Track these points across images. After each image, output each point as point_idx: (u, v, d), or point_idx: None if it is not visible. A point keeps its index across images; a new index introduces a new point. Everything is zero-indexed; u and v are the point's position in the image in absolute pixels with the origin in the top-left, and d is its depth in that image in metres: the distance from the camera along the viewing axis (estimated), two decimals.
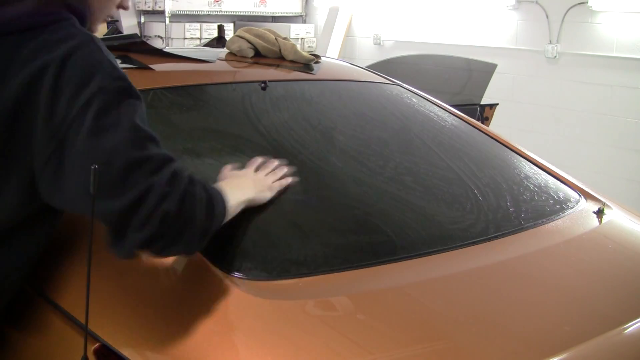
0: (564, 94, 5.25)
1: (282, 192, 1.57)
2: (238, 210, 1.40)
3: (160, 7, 6.35)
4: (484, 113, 4.03)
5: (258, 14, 6.92)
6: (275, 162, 1.60)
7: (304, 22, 7.18)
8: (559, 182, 2.00)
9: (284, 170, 1.60)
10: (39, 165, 1.20)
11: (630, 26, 4.84)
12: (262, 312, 1.21)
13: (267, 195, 1.52)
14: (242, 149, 1.76)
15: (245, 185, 1.48)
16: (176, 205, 1.17)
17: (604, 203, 1.87)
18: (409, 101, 2.25)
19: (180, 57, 2.16)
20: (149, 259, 1.29)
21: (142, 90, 1.86)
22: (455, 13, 5.82)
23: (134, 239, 1.16)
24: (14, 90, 1.19)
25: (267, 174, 1.56)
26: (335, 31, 6.63)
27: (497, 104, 4.20)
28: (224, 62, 2.23)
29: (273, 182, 1.56)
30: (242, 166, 1.56)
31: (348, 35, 6.72)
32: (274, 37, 2.23)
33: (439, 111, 2.24)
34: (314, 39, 6.98)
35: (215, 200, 1.27)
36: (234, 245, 1.41)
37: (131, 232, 1.15)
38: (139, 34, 6.13)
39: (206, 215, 1.23)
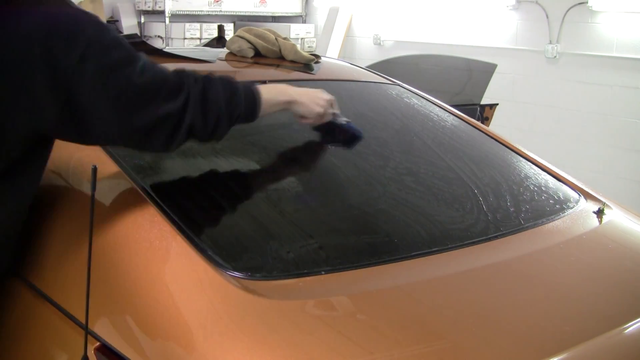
0: (564, 94, 5.25)
1: (282, 193, 1.56)
2: (276, 107, 1.59)
3: (160, 7, 6.35)
4: (484, 113, 4.03)
5: (258, 14, 6.92)
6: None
7: (304, 22, 7.19)
8: (559, 182, 2.00)
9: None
10: (51, 119, 1.27)
11: (630, 26, 4.84)
12: (262, 312, 1.21)
13: (312, 107, 1.66)
14: (241, 149, 1.76)
15: (289, 90, 1.64)
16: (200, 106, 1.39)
17: (604, 203, 1.87)
18: (409, 101, 2.25)
19: (180, 57, 2.16)
20: (148, 258, 1.29)
21: None
22: (455, 13, 5.82)
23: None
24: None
25: (325, 97, 1.69)
26: (335, 31, 6.63)
27: (497, 104, 4.20)
28: (224, 62, 2.23)
29: (323, 99, 1.68)
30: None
31: (348, 35, 6.72)
32: (274, 37, 2.23)
33: (439, 111, 2.24)
34: (314, 39, 6.98)
35: (238, 93, 1.47)
36: (234, 245, 1.41)
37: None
38: (139, 34, 6.14)
39: (226, 106, 1.44)
